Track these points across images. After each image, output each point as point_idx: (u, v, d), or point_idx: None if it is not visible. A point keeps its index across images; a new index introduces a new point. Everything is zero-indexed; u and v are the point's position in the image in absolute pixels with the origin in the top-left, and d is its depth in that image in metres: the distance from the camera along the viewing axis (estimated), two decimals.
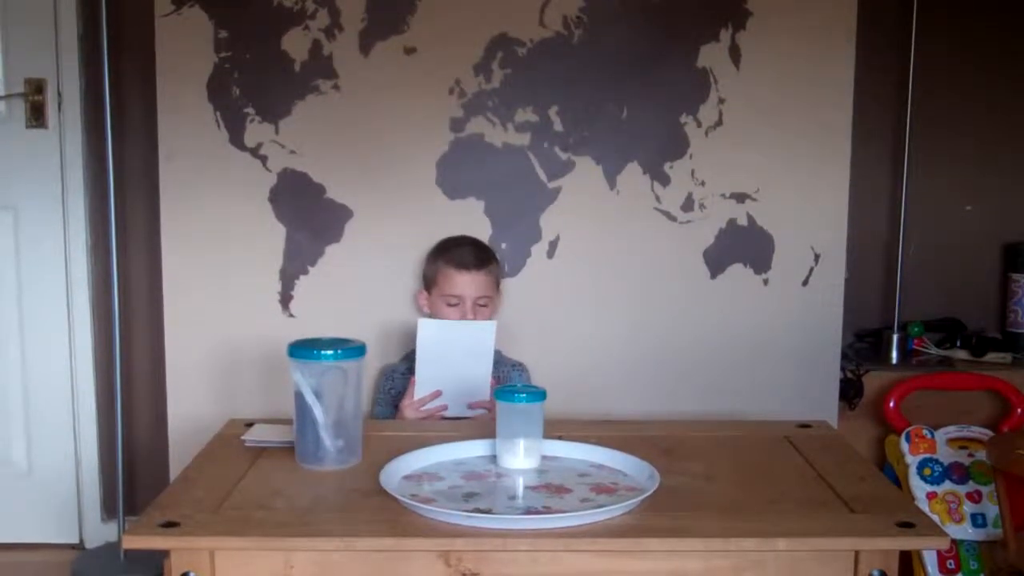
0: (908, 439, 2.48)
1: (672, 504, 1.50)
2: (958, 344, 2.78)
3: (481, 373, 2.18)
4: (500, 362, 2.36)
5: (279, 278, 2.49)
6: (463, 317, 2.29)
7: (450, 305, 2.31)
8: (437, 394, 2.18)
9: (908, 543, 1.43)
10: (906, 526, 1.42)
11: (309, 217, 2.47)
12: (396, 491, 1.50)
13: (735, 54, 2.45)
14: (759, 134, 2.47)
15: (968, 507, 2.43)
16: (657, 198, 2.49)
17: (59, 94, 2.65)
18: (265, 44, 2.43)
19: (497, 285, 2.38)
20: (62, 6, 2.63)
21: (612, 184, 2.48)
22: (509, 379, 2.35)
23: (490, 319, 2.31)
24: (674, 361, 2.52)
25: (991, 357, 2.73)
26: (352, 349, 1.68)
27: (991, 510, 2.40)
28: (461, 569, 1.40)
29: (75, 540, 2.80)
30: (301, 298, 2.49)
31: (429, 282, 2.38)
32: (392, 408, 2.33)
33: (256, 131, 2.45)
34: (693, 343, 2.51)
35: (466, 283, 2.30)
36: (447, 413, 2.19)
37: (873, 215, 2.83)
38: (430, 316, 2.34)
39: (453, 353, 2.17)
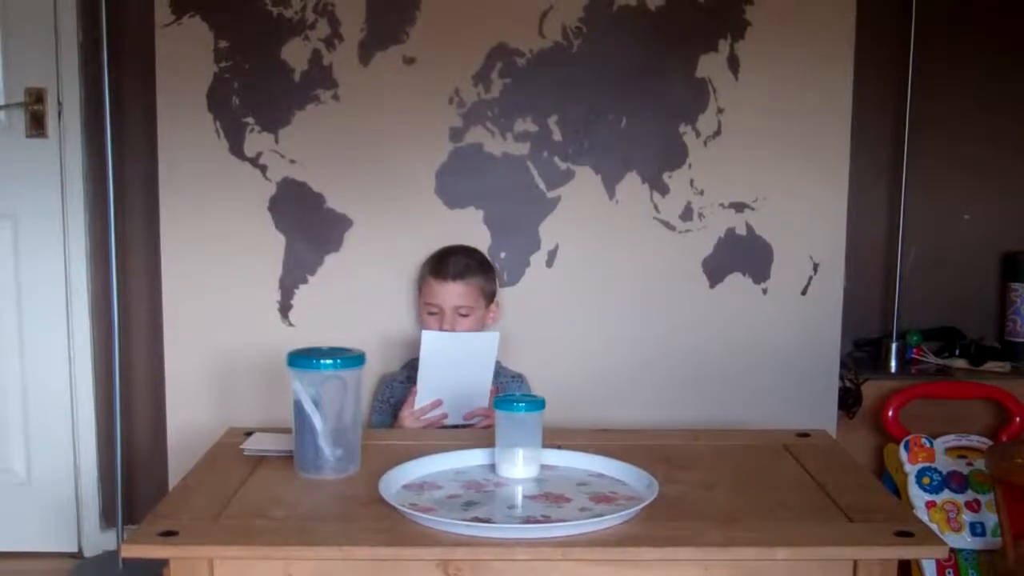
0: (907, 448, 2.49)
1: (671, 513, 1.51)
2: (957, 353, 2.79)
3: (482, 383, 2.19)
4: (500, 373, 2.36)
5: (278, 287, 2.49)
6: (441, 326, 2.29)
7: (430, 313, 2.33)
8: (438, 403, 2.19)
9: (907, 552, 1.43)
10: (905, 535, 1.42)
11: (309, 226, 2.48)
12: (395, 500, 1.50)
13: (734, 64, 2.46)
14: (758, 144, 2.48)
15: (967, 516, 2.43)
16: (656, 207, 2.49)
17: (59, 103, 2.66)
18: (265, 54, 2.43)
19: (487, 296, 2.38)
20: (62, 15, 2.63)
21: (611, 194, 2.48)
22: (508, 390, 2.34)
23: (481, 329, 2.33)
24: (673, 370, 2.52)
25: (990, 366, 2.73)
26: (351, 358, 1.68)
27: (990, 519, 2.40)
28: None
29: (74, 549, 2.79)
30: (300, 307, 2.49)
31: (418, 289, 2.40)
32: (390, 416, 2.33)
33: (256, 140, 2.45)
34: (692, 352, 2.52)
35: (442, 292, 2.31)
36: (447, 422, 2.20)
37: (872, 224, 2.84)
38: (422, 324, 2.36)
39: (455, 364, 2.17)
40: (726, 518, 1.50)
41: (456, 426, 2.20)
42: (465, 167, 2.47)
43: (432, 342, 2.17)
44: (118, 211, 2.62)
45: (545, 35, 2.44)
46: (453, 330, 2.29)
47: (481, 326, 2.36)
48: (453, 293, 2.31)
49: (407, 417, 2.19)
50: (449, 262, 2.34)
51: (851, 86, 2.46)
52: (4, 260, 2.71)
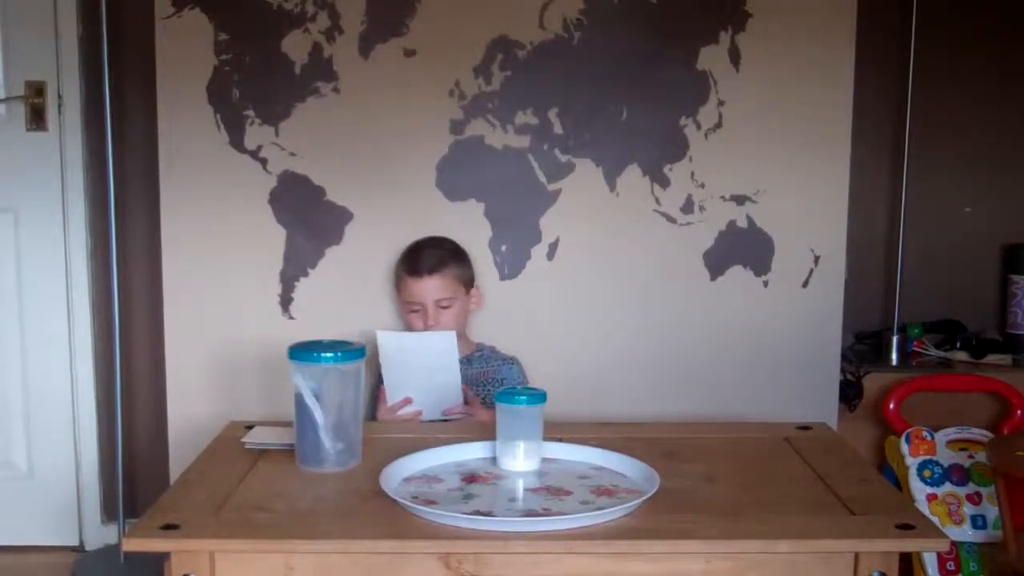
0: (908, 441, 2.48)
1: (672, 506, 1.51)
2: (958, 346, 2.78)
3: (450, 381, 2.18)
4: (492, 357, 2.37)
5: (279, 280, 2.49)
6: (425, 322, 2.29)
7: (412, 311, 2.32)
8: (408, 401, 2.18)
9: (908, 545, 1.43)
10: (906, 528, 1.42)
11: (309, 219, 2.47)
12: (396, 493, 1.51)
13: (735, 56, 2.45)
14: (759, 136, 2.47)
15: (968, 509, 2.43)
16: (657, 200, 2.49)
17: (59, 96, 2.66)
18: (265, 46, 2.43)
19: (464, 283, 2.37)
20: (62, 8, 2.63)
21: (612, 186, 2.48)
22: (500, 374, 2.34)
23: (459, 320, 2.32)
24: (674, 363, 2.52)
25: (991, 359, 2.73)
26: (352, 351, 1.68)
27: (991, 512, 2.40)
28: (461, 571, 1.40)
29: (75, 542, 2.80)
30: (301, 300, 2.49)
31: (396, 289, 2.40)
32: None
33: (256, 133, 2.45)
34: (693, 345, 2.51)
35: (420, 289, 2.30)
36: (423, 418, 2.19)
37: (873, 217, 2.83)
38: (407, 320, 2.36)
39: (417, 363, 2.18)
40: (727, 511, 1.50)
41: (434, 421, 2.19)
42: (466, 160, 2.46)
43: (388, 342, 2.18)
44: (118, 204, 2.61)
45: (546, 27, 2.44)
46: (437, 324, 2.28)
47: (464, 314, 2.36)
48: (431, 288, 2.30)
49: (383, 413, 2.20)
50: (422, 257, 2.34)
51: (852, 78, 2.46)
52: (4, 254, 2.71)
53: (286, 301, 2.49)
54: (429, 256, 2.34)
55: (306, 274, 2.49)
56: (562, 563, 1.41)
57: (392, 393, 2.19)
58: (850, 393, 2.59)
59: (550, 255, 2.50)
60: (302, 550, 1.40)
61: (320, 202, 2.47)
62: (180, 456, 2.34)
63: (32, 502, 2.78)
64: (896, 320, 2.79)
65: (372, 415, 2.33)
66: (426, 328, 2.29)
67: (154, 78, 2.44)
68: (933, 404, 2.58)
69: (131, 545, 1.40)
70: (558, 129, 2.46)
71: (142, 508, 2.35)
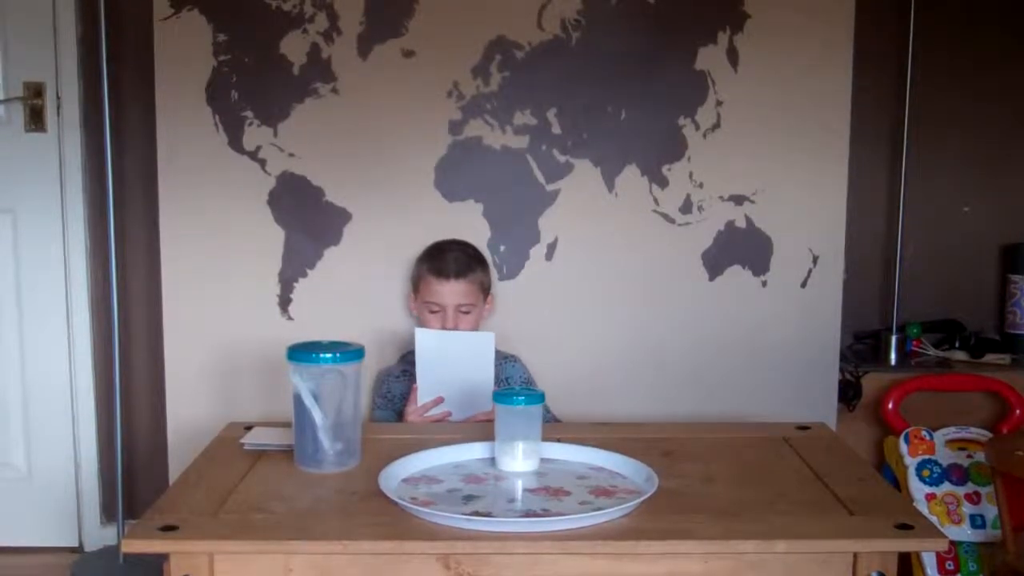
0: (907, 440, 2.49)
1: (671, 506, 1.51)
2: (957, 345, 2.78)
3: (482, 382, 2.17)
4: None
5: (278, 281, 2.49)
6: (444, 324, 2.27)
7: (432, 312, 2.30)
8: (439, 400, 2.18)
9: (907, 545, 1.43)
10: (905, 528, 1.43)
11: (308, 220, 2.47)
12: (395, 494, 1.51)
13: (733, 56, 2.45)
14: (757, 136, 2.47)
15: (967, 508, 2.43)
16: (655, 200, 2.49)
17: (58, 97, 2.66)
18: (264, 47, 2.43)
19: (485, 290, 2.37)
20: (61, 9, 2.63)
21: (610, 186, 2.48)
22: (503, 371, 2.34)
23: (476, 326, 2.31)
24: (673, 363, 2.52)
25: (990, 358, 2.73)
26: (351, 352, 1.68)
27: (990, 511, 2.41)
28: (460, 572, 1.41)
29: (74, 543, 2.80)
30: (300, 301, 2.49)
31: (415, 287, 2.38)
32: (391, 411, 2.33)
33: (255, 134, 2.45)
34: (692, 345, 2.52)
35: (445, 292, 2.29)
36: (452, 418, 2.19)
37: (871, 216, 2.83)
38: (419, 319, 2.35)
39: (452, 362, 2.17)
40: (726, 511, 1.50)
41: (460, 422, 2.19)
42: (464, 160, 2.46)
43: (426, 340, 2.18)
44: (117, 205, 2.62)
45: (544, 28, 2.44)
46: (456, 328, 2.27)
47: (480, 321, 2.35)
48: (456, 292, 2.29)
49: (411, 414, 2.18)
50: (449, 260, 2.32)
51: (850, 78, 2.46)
52: (4, 255, 2.71)
53: (285, 302, 2.49)
54: (457, 260, 2.32)
55: (305, 275, 2.49)
56: (561, 564, 1.42)
57: (424, 393, 2.18)
58: (849, 393, 2.59)
59: (549, 255, 2.50)
60: (301, 551, 1.40)
61: (319, 203, 2.47)
62: (179, 457, 2.35)
63: (31, 503, 2.78)
64: (895, 320, 2.79)
65: (385, 416, 2.33)
66: (443, 330, 2.28)
67: (153, 79, 2.44)
68: (932, 404, 2.59)
69: (130, 546, 1.41)
70: (556, 129, 2.46)
71: (141, 509, 2.35)
